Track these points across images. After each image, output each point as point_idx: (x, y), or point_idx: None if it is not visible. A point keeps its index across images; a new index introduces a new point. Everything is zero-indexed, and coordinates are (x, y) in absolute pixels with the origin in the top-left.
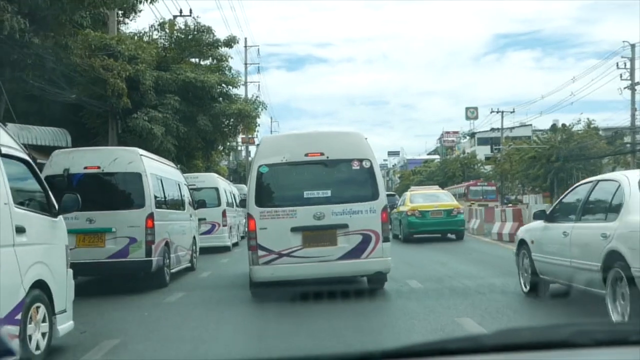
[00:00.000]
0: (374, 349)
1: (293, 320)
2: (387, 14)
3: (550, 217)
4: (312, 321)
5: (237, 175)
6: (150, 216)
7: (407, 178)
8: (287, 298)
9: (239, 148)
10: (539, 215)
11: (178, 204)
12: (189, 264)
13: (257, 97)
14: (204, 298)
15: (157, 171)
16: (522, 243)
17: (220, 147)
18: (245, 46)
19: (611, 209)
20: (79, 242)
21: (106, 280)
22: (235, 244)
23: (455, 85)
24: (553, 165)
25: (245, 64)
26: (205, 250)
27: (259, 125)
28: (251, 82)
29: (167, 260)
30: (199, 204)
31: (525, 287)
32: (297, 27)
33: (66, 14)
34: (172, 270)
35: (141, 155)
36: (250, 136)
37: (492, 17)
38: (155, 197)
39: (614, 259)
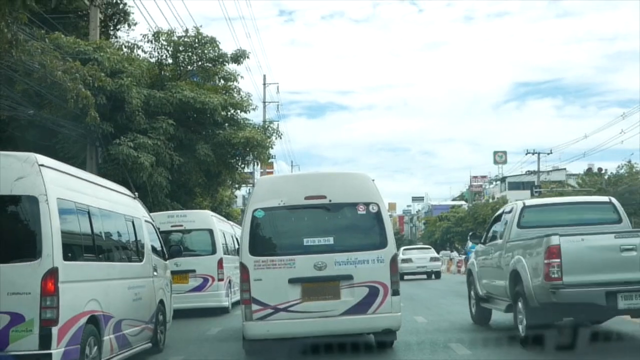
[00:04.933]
0: None
1: None
2: (407, 62)
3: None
4: None
5: None
6: (51, 274)
7: (433, 224)
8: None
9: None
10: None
11: (127, 253)
12: (149, 344)
13: (270, 123)
14: None
15: (76, 196)
16: None
17: (229, 182)
18: (264, 84)
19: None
20: None
21: None
22: (237, 304)
23: (476, 132)
24: None
25: (264, 102)
26: (194, 313)
27: (273, 157)
28: (269, 120)
29: (93, 350)
30: (172, 252)
31: None
32: (318, 75)
33: None
34: None
35: (41, 166)
36: (269, 170)
37: (512, 66)
38: (69, 238)
39: None
